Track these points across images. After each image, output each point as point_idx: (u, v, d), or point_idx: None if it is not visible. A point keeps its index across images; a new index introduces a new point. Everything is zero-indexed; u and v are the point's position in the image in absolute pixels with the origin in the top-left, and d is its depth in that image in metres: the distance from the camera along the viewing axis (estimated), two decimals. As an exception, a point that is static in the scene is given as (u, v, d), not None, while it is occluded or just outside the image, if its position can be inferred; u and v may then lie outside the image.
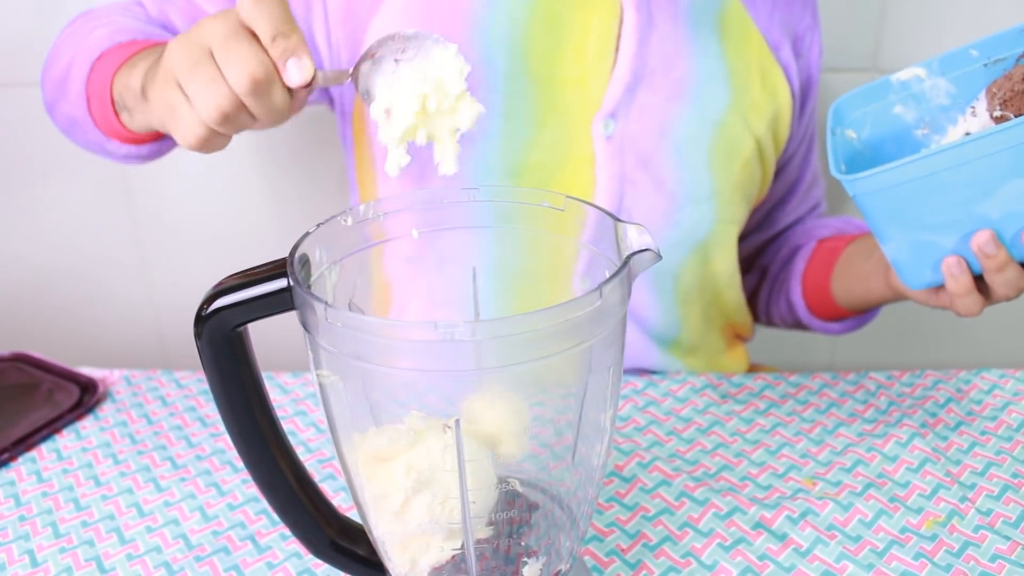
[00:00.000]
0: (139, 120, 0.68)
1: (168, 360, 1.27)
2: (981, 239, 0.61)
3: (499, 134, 0.76)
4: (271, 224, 1.19)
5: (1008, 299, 0.65)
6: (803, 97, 0.88)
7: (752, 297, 1.00)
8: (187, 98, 0.56)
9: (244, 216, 1.19)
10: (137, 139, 0.73)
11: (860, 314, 0.89)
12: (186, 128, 0.58)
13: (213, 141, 0.59)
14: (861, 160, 0.69)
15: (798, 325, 0.95)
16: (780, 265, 0.95)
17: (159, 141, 0.75)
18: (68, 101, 0.74)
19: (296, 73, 0.55)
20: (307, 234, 0.47)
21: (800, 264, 0.91)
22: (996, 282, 0.63)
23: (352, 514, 0.53)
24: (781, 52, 0.84)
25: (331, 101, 0.86)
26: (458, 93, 0.57)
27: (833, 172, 0.63)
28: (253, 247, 1.20)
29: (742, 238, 0.95)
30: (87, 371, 0.81)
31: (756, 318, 1.01)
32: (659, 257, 0.46)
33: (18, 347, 0.86)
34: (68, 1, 1.06)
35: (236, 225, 1.19)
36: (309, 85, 0.56)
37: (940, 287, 0.66)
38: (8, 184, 1.16)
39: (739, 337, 0.95)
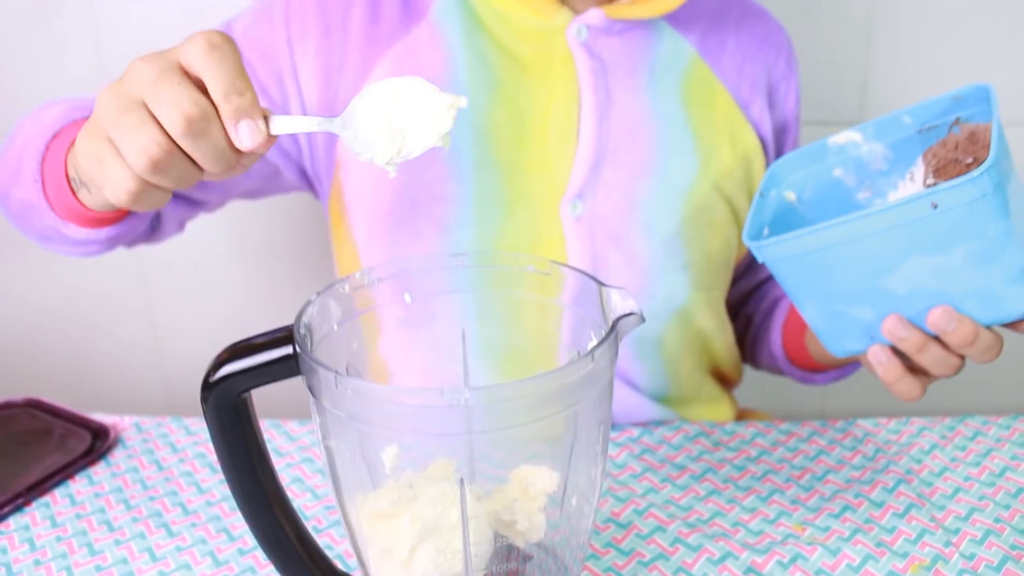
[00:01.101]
0: (96, 195, 0.63)
1: (172, 403, 1.28)
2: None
3: (470, 221, 0.77)
4: (275, 273, 1.21)
5: (947, 376, 0.63)
6: (778, 149, 0.88)
7: (739, 342, 0.98)
8: (115, 148, 0.51)
9: (249, 264, 1.21)
10: (97, 220, 0.67)
11: (839, 367, 0.87)
12: (115, 181, 0.51)
13: (146, 194, 0.52)
14: (804, 222, 0.68)
15: (783, 374, 0.95)
16: (762, 316, 0.94)
17: (119, 224, 0.69)
18: (22, 185, 0.68)
19: (247, 137, 0.49)
20: (309, 302, 0.50)
21: (780, 316, 0.90)
22: (924, 362, 0.61)
23: (352, 562, 0.55)
24: (751, 110, 0.83)
25: (313, 190, 0.85)
26: (430, 96, 0.50)
27: (744, 238, 0.62)
28: (257, 296, 1.22)
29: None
30: (99, 417, 0.83)
31: (744, 359, 1.00)
32: (643, 319, 0.48)
33: (27, 391, 0.88)
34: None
35: (241, 273, 1.21)
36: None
37: None
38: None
39: (725, 382, 0.94)
